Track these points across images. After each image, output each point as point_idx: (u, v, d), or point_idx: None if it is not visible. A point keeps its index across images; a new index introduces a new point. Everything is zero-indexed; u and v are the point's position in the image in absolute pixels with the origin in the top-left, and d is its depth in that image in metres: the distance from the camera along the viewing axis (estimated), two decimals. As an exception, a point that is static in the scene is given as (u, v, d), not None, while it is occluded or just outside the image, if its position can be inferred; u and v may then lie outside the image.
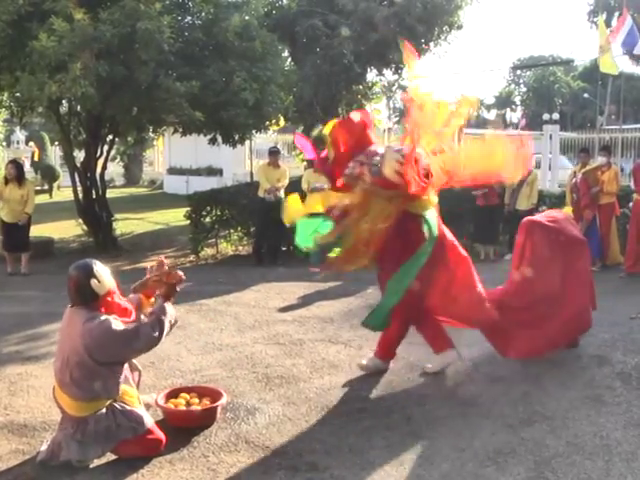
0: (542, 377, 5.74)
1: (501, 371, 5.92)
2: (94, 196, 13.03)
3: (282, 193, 11.44)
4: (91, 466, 4.22)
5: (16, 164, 11.21)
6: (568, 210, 7.11)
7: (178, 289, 4.61)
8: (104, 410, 4.27)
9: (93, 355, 4.15)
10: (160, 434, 4.41)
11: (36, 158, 29.02)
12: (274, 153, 12.18)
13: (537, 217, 6.73)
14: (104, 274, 4.36)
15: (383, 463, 4.23)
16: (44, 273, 10.81)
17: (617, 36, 17.54)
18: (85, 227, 13.42)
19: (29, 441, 4.59)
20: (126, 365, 4.62)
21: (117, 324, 4.24)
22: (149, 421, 4.42)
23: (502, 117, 72.93)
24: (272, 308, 8.39)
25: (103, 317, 4.24)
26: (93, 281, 4.25)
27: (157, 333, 4.29)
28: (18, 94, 10.70)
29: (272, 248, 12.13)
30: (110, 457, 4.31)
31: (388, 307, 5.54)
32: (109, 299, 4.41)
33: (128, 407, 4.39)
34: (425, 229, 5.58)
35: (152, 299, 4.70)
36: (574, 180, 10.91)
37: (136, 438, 4.29)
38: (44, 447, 4.35)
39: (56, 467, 4.21)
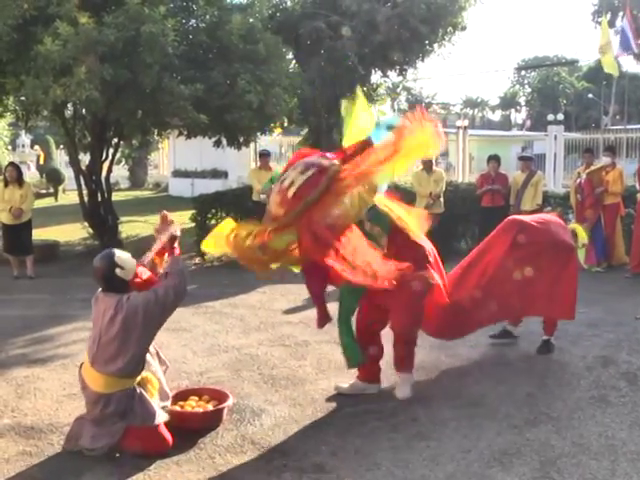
0: (547, 378, 5.75)
1: (506, 372, 5.93)
2: (99, 199, 13.05)
3: None
4: (98, 467, 4.24)
5: (16, 166, 11.47)
6: (575, 226, 6.91)
7: (177, 234, 4.74)
8: (127, 391, 4.39)
9: (129, 325, 4.31)
10: (167, 435, 4.45)
11: (41, 161, 29.11)
12: (264, 156, 12.35)
13: (522, 217, 6.80)
14: (126, 259, 4.53)
15: (389, 464, 4.24)
16: (50, 276, 10.83)
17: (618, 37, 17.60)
18: (90, 230, 13.44)
19: (36, 443, 4.61)
20: (154, 353, 4.84)
21: (145, 293, 4.44)
22: (160, 418, 4.48)
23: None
24: (277, 310, 8.41)
25: (133, 293, 4.44)
26: (117, 270, 4.44)
27: (181, 283, 4.51)
28: (23, 98, 10.71)
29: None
30: (117, 459, 4.34)
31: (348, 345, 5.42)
32: (137, 279, 4.59)
33: (146, 396, 4.50)
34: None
35: (165, 256, 4.86)
36: (578, 181, 10.89)
37: (142, 430, 4.36)
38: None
39: (62, 468, 4.24)
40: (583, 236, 6.72)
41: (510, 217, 6.72)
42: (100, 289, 4.60)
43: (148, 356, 4.70)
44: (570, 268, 6.25)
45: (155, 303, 4.37)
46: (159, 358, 4.99)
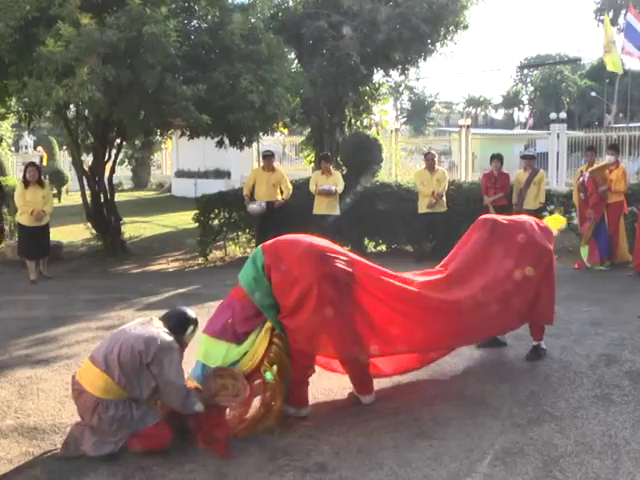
0: (550, 376, 5.74)
1: (509, 371, 5.93)
2: (102, 200, 13.06)
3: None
4: (101, 467, 4.25)
5: (36, 166, 11.38)
6: (549, 218, 6.55)
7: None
8: (123, 400, 4.39)
9: (145, 362, 4.37)
10: (167, 429, 4.48)
11: (44, 163, 29.15)
12: (268, 157, 12.19)
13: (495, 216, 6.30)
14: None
15: (392, 463, 4.24)
16: (53, 277, 10.84)
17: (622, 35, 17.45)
18: (94, 231, 13.46)
19: (39, 444, 4.62)
20: None
21: (179, 366, 4.50)
22: (157, 415, 4.50)
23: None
24: (280, 310, 8.39)
25: (176, 351, 4.51)
26: (190, 328, 4.79)
27: (178, 400, 4.44)
28: (26, 99, 10.73)
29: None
30: (120, 459, 4.34)
31: None
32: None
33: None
34: None
35: None
36: (581, 179, 10.87)
37: (145, 431, 4.38)
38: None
39: (65, 469, 4.24)
40: (561, 221, 6.46)
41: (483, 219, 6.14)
42: (152, 317, 4.72)
43: None
44: (549, 273, 5.97)
45: (174, 377, 4.40)
46: None
